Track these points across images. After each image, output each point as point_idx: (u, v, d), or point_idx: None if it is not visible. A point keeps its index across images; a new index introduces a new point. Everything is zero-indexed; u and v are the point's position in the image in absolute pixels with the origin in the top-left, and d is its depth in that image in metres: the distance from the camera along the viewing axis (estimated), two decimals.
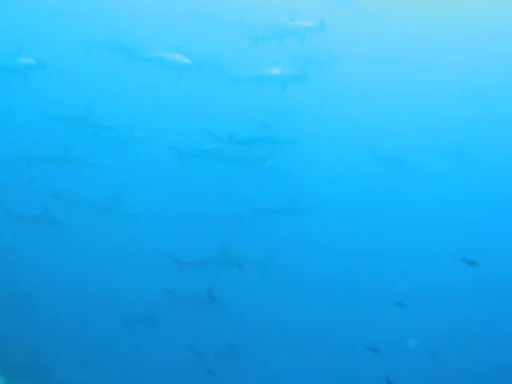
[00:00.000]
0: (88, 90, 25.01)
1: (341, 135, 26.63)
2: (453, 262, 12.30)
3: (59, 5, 27.80)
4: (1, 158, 18.98)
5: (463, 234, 21.23)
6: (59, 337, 15.54)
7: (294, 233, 19.88)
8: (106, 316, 16.75)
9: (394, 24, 26.94)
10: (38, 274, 17.46)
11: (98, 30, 21.89)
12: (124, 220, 18.60)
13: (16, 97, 22.32)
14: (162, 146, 17.53)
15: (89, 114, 17.30)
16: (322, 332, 16.86)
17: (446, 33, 27.51)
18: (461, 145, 22.05)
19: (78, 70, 26.95)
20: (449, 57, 28.07)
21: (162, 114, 25.72)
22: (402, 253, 20.18)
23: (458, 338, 16.68)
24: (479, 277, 15.11)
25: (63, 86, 26.93)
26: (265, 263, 16.89)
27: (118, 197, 18.85)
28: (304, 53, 19.36)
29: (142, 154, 21.39)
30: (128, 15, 27.12)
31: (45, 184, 18.25)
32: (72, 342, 15.55)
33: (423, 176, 21.83)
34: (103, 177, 20.22)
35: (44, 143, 17.85)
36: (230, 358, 15.79)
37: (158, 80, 20.10)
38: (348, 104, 27.60)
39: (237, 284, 15.43)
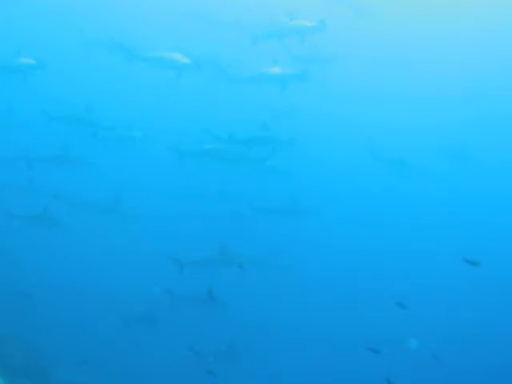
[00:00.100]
0: (88, 89, 25.00)
1: (341, 135, 26.61)
2: (453, 262, 12.32)
3: (59, 4, 27.78)
4: (1, 157, 18.97)
5: (463, 234, 21.22)
6: (59, 337, 15.52)
7: (294, 233, 19.87)
8: (105, 316, 16.73)
9: (394, 24, 26.93)
10: (37, 274, 17.44)
11: (97, 30, 21.88)
12: (124, 220, 18.58)
13: (16, 97, 22.31)
14: (161, 146, 17.52)
15: (88, 114, 17.29)
16: (322, 332, 16.85)
17: (446, 33, 27.51)
18: (461, 145, 22.06)
19: (77, 69, 26.94)
20: (449, 57, 28.06)
21: (162, 114, 25.70)
22: (402, 253, 20.17)
23: (458, 338, 16.67)
24: (479, 277, 15.10)
25: (63, 86, 26.91)
26: (265, 263, 16.87)
27: (118, 197, 18.84)
28: (304, 52, 19.34)
29: (141, 153, 21.39)
30: (128, 15, 27.12)
31: (44, 184, 18.24)
32: (72, 342, 15.53)
33: (423, 176, 21.82)
34: (103, 177, 20.20)
35: (44, 143, 17.83)
36: (230, 358, 15.78)
37: (158, 80, 20.09)
38: (348, 104, 27.59)
39: (237, 284, 15.42)
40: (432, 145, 22.86)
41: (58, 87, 26.43)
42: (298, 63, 18.85)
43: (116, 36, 20.23)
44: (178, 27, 25.02)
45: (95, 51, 21.77)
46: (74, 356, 15.31)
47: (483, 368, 15.70)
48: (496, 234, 21.89)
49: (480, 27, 27.25)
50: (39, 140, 18.41)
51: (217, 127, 16.28)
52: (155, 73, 18.31)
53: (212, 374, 12.54)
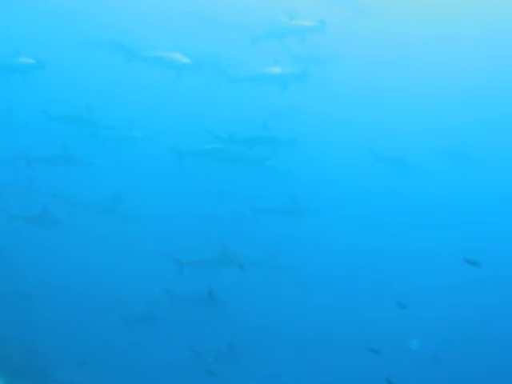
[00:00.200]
0: (88, 89, 24.98)
1: (341, 135, 26.59)
2: (453, 262, 12.30)
3: (59, 4, 27.78)
4: (1, 158, 18.95)
5: (463, 234, 21.21)
6: (59, 337, 15.52)
7: (294, 233, 19.85)
8: (105, 316, 16.72)
9: (394, 24, 26.92)
10: (37, 274, 17.44)
11: (97, 30, 21.87)
12: (123, 220, 18.57)
13: (15, 97, 22.30)
14: (161, 146, 17.50)
15: (88, 114, 17.28)
16: (322, 332, 16.84)
17: (446, 33, 27.50)
18: (461, 145, 22.04)
19: (77, 69, 26.91)
20: (449, 57, 28.05)
21: (162, 114, 25.68)
22: (402, 253, 20.16)
23: (458, 338, 16.66)
24: (480, 277, 15.09)
25: (63, 86, 26.89)
26: (265, 263, 16.86)
27: (118, 197, 18.83)
28: (304, 52, 19.34)
29: (141, 153, 21.39)
30: (128, 15, 27.10)
31: (44, 184, 18.23)
32: (72, 342, 15.53)
33: (423, 176, 21.79)
34: (102, 176, 20.18)
35: (43, 143, 17.82)
36: (230, 359, 15.77)
37: (158, 80, 20.07)
38: (348, 104, 27.58)
39: (237, 284, 15.41)
40: (432, 145, 22.84)
41: (58, 87, 26.42)
42: (298, 63, 18.83)
43: (116, 36, 20.22)
44: (178, 27, 25.00)
45: (95, 51, 21.75)
46: (73, 356, 15.30)
47: (483, 368, 15.69)
48: (496, 234, 21.87)
49: (480, 27, 27.23)
50: (39, 140, 18.40)
51: (217, 127, 16.27)
52: (155, 73, 18.31)
53: (212, 374, 12.54)
